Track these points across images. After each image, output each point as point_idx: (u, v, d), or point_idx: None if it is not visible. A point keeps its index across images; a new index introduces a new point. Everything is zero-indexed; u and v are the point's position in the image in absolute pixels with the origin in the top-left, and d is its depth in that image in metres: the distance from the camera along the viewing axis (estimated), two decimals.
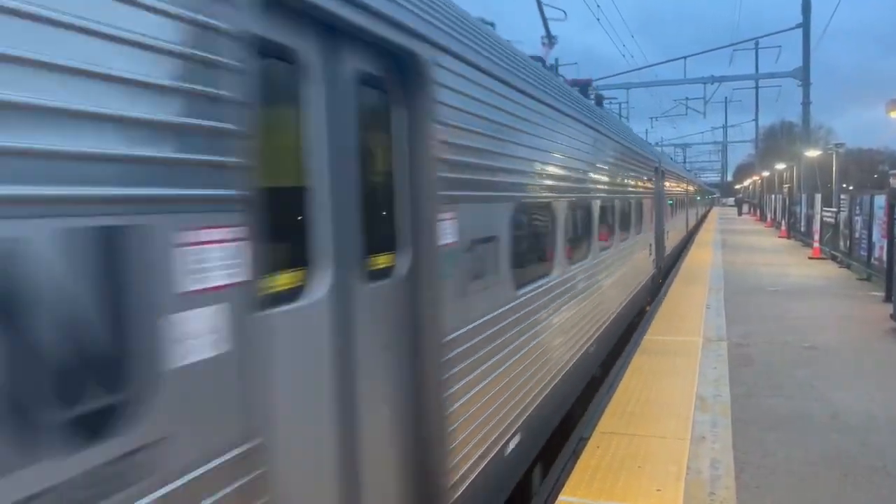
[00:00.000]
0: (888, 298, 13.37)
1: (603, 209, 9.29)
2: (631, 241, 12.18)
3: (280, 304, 2.67)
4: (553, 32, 12.68)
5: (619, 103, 51.82)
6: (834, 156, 29.72)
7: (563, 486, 5.44)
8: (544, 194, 6.38)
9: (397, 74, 3.61)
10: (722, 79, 40.18)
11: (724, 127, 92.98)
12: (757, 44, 50.63)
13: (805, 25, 34.29)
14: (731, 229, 42.85)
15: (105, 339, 1.78)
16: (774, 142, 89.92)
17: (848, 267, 19.66)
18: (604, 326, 9.34)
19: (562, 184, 6.95)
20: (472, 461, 4.33)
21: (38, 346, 1.61)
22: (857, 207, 18.86)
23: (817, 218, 24.67)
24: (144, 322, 1.89)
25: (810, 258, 23.36)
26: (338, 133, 3.09)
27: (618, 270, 10.60)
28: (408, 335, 3.75)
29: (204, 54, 2.09)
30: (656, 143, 64.78)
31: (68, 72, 1.67)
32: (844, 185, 52.83)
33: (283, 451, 2.64)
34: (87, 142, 1.72)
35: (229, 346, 2.19)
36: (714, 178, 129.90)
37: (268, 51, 2.58)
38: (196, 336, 2.06)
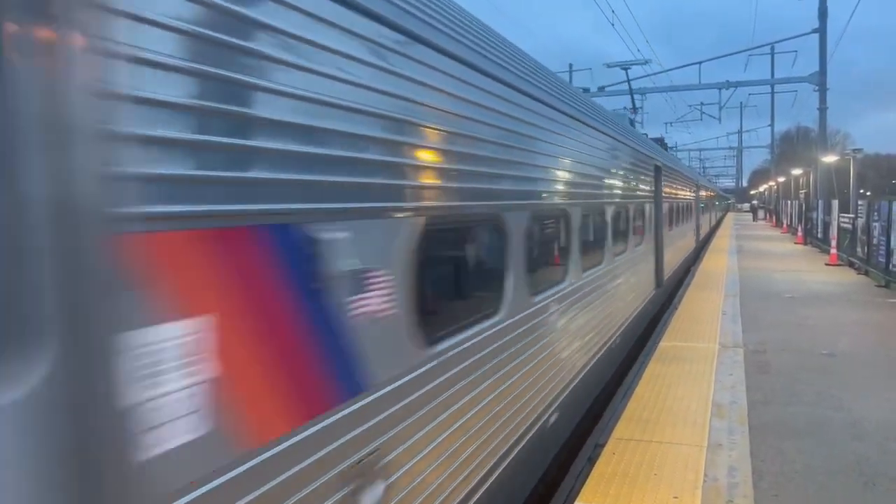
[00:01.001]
0: None
1: (677, 208, 19.49)
2: (686, 224, 22.87)
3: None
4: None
5: (635, 108, 51.76)
6: (851, 161, 29.46)
7: (578, 493, 5.40)
8: (673, 201, 18.05)
9: (655, 169, 14.00)
10: (737, 84, 39.92)
11: (740, 132, 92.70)
12: (773, 49, 50.43)
13: (821, 31, 34.01)
14: (747, 235, 42.55)
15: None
16: (790, 147, 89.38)
17: (866, 273, 19.47)
18: (685, 254, 22.33)
19: (671, 194, 17.76)
20: (665, 271, 15.73)
21: None
22: (875, 213, 18.67)
23: (834, 224, 24.44)
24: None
25: (827, 264, 23.13)
26: (653, 185, 13.83)
27: (686, 235, 22.88)
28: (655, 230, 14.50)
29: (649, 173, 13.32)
30: (671, 148, 64.51)
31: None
32: (862, 191, 52.33)
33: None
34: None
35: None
36: (729, 183, 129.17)
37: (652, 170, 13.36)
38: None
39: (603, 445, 6.34)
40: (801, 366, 9.28)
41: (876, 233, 18.39)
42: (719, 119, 55.77)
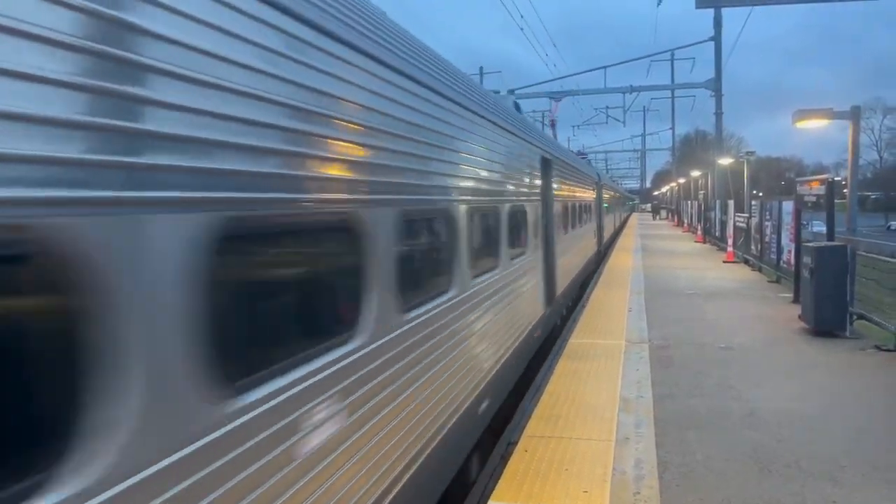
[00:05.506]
0: (796, 299, 14.03)
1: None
2: (614, 213, 38.60)
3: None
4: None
5: (543, 112, 52.90)
6: (745, 164, 31.02)
7: (491, 491, 5.43)
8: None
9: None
10: (640, 88, 41.49)
11: (643, 135, 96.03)
12: (672, 55, 52.63)
13: (717, 39, 35.80)
14: (650, 234, 44.26)
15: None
16: (690, 149, 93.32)
17: (759, 270, 20.56)
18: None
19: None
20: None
21: None
22: (767, 213, 19.69)
23: (730, 223, 25.69)
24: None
25: (724, 262, 24.32)
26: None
27: (615, 216, 42.07)
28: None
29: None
30: (578, 151, 66.24)
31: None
32: (755, 192, 55.26)
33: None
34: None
35: None
36: (633, 184, 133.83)
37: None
38: None
39: (515, 443, 6.42)
40: (702, 359, 9.69)
41: (768, 231, 19.42)
42: (624, 122, 57.75)
